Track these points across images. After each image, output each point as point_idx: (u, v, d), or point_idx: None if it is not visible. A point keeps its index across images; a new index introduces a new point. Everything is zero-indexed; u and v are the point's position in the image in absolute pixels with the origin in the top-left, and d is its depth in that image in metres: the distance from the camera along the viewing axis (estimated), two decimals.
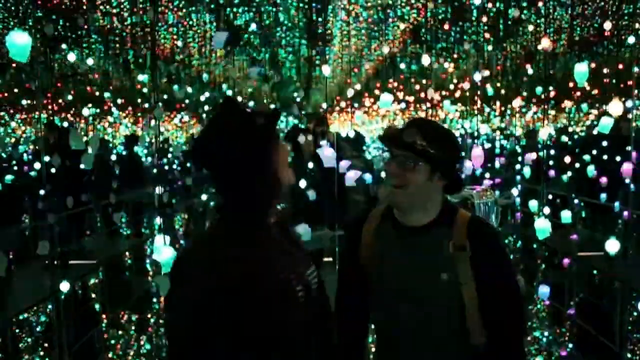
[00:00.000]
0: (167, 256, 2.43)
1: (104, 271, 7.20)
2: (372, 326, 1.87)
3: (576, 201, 7.72)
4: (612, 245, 4.09)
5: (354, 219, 1.90)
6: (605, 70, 11.04)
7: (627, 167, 4.51)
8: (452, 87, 11.74)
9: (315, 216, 6.08)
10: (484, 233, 1.68)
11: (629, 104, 5.01)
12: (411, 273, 1.69)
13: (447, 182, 1.70)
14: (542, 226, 3.56)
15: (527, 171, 6.61)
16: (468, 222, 1.68)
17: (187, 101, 10.68)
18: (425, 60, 5.02)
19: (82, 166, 4.08)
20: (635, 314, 5.16)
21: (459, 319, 1.65)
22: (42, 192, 4.99)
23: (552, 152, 7.95)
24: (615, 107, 3.07)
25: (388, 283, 1.73)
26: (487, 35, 9.75)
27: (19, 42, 1.65)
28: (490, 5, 9.40)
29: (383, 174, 6.15)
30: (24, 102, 13.50)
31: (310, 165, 5.20)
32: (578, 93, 12.26)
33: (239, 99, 12.31)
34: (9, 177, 8.10)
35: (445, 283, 1.63)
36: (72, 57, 6.89)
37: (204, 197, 9.47)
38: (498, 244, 1.72)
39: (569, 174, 7.66)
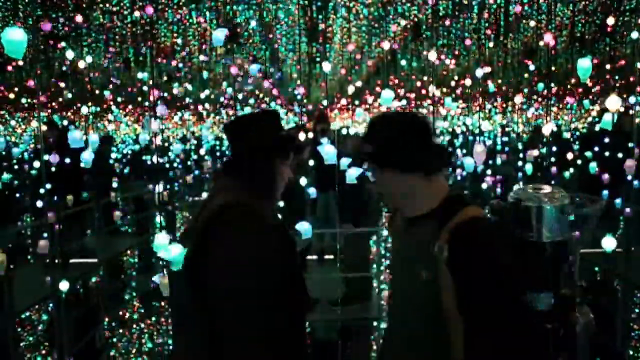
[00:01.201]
0: (175, 253, 2.42)
1: (105, 270, 7.19)
2: None
3: (577, 198, 7.68)
4: (609, 242, 4.09)
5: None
6: (607, 66, 11.00)
7: (629, 164, 4.49)
8: (453, 83, 11.72)
9: (315, 213, 6.08)
10: (467, 237, 1.44)
11: (632, 99, 4.98)
12: (399, 265, 1.65)
13: (403, 171, 1.53)
14: None
15: (529, 168, 6.58)
16: (460, 221, 1.47)
17: (187, 99, 10.65)
18: (432, 56, 4.96)
19: (82, 164, 4.08)
20: (637, 310, 5.14)
21: (438, 325, 1.46)
22: (42, 190, 4.98)
23: (554, 148, 7.92)
24: (613, 102, 3.05)
25: (391, 273, 1.76)
26: (488, 31, 9.72)
27: (14, 38, 1.63)
28: (491, 1, 9.37)
29: None
30: (23, 100, 13.48)
31: (311, 162, 5.19)
32: (580, 89, 12.23)
33: (240, 96, 12.28)
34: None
35: (423, 282, 1.49)
36: (70, 54, 6.85)
37: (204, 195, 9.43)
38: (479, 252, 1.44)
39: (571, 170, 7.63)
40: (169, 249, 2.52)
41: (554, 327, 1.51)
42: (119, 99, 11.75)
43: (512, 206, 1.55)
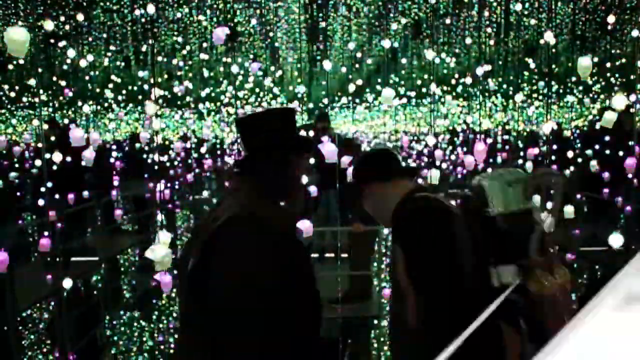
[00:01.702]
0: (160, 254, 2.38)
1: (105, 268, 7.20)
2: None
3: (578, 196, 7.69)
4: (616, 240, 4.08)
5: None
6: (607, 65, 11.00)
7: (630, 162, 4.49)
8: (453, 82, 11.72)
9: (317, 211, 6.09)
10: (401, 213, 1.71)
11: (632, 98, 4.98)
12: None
13: (380, 179, 1.82)
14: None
15: (529, 166, 6.57)
16: (400, 202, 1.74)
17: (187, 98, 10.64)
18: (430, 54, 4.95)
19: (83, 163, 4.08)
20: None
21: (401, 303, 1.67)
22: (42, 189, 4.98)
23: (555, 146, 7.91)
24: (619, 101, 3.06)
25: None
26: (488, 29, 9.70)
27: (17, 37, 1.64)
28: None
29: None
30: (24, 99, 13.49)
31: (312, 161, 5.18)
32: (580, 87, 12.23)
33: (240, 94, 12.28)
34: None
35: (392, 264, 1.75)
36: (71, 53, 6.85)
37: (205, 193, 9.46)
38: (411, 223, 1.67)
39: (572, 168, 7.63)
40: (153, 250, 2.46)
41: (513, 299, 1.54)
42: (120, 98, 11.74)
43: (475, 188, 1.74)
